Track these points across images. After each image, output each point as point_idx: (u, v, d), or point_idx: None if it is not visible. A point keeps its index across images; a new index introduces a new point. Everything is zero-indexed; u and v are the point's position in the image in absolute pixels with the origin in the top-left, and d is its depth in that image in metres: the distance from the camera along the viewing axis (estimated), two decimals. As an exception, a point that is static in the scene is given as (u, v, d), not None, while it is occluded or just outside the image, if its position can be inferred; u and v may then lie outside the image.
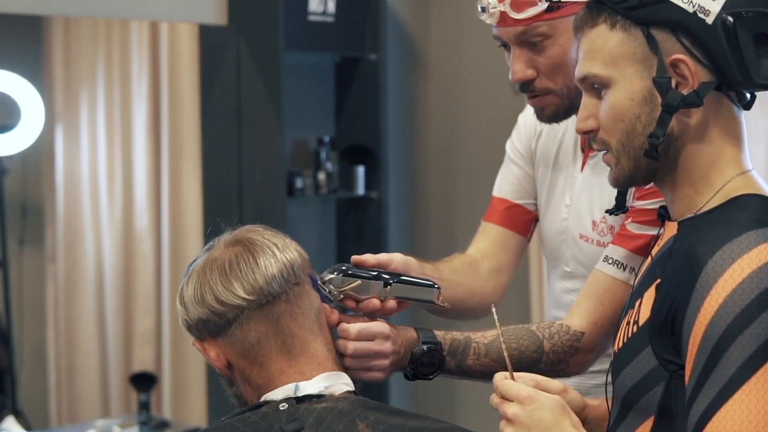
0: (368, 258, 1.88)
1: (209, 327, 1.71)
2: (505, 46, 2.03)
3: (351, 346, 1.78)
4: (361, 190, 4.14)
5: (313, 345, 1.73)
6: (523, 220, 2.31)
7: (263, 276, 1.69)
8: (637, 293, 1.59)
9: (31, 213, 5.00)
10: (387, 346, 1.80)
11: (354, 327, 1.79)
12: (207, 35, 3.90)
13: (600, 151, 1.63)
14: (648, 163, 1.55)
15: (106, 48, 4.76)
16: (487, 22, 1.99)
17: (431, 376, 1.88)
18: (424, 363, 1.85)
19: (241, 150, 3.84)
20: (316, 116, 4.25)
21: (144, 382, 3.61)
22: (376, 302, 1.83)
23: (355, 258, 1.87)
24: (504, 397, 1.56)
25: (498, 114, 3.78)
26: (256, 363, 1.71)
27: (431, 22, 4.43)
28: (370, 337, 1.79)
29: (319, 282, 1.79)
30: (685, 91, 1.52)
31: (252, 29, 3.73)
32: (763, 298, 1.38)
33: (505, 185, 2.33)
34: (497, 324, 1.68)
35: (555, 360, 1.94)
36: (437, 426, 1.66)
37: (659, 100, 1.52)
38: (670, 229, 1.59)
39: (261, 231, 1.77)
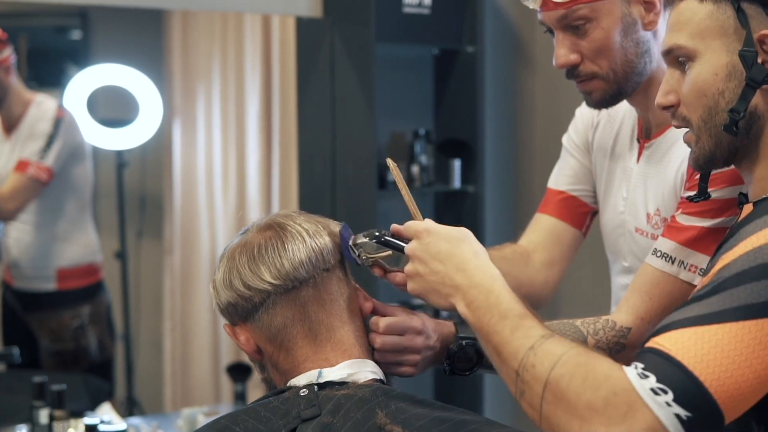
0: None
1: (238, 311, 1.72)
2: (551, 32, 2.00)
3: (379, 340, 1.73)
4: (457, 183, 4.09)
5: (339, 332, 1.71)
6: (578, 213, 2.26)
7: (290, 261, 1.68)
8: None
9: (149, 205, 5.12)
10: (418, 341, 1.74)
11: (383, 321, 1.73)
12: (303, 27, 3.93)
13: (679, 128, 1.59)
14: (729, 141, 1.51)
15: (221, 42, 4.84)
16: (531, 7, 1.99)
17: (468, 373, 1.82)
18: (460, 359, 1.80)
19: (334, 142, 3.84)
20: (415, 109, 4.22)
21: (239, 372, 3.66)
22: (402, 276, 1.72)
23: (394, 227, 1.77)
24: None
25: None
26: (283, 348, 1.70)
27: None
28: (400, 332, 1.73)
29: (350, 244, 1.72)
30: None
31: (346, 21, 3.73)
32: None
33: (561, 176, 2.30)
34: (397, 178, 1.70)
35: None
36: (462, 417, 1.61)
37: (744, 75, 1.48)
38: (746, 212, 1.54)
39: (295, 216, 1.77)
